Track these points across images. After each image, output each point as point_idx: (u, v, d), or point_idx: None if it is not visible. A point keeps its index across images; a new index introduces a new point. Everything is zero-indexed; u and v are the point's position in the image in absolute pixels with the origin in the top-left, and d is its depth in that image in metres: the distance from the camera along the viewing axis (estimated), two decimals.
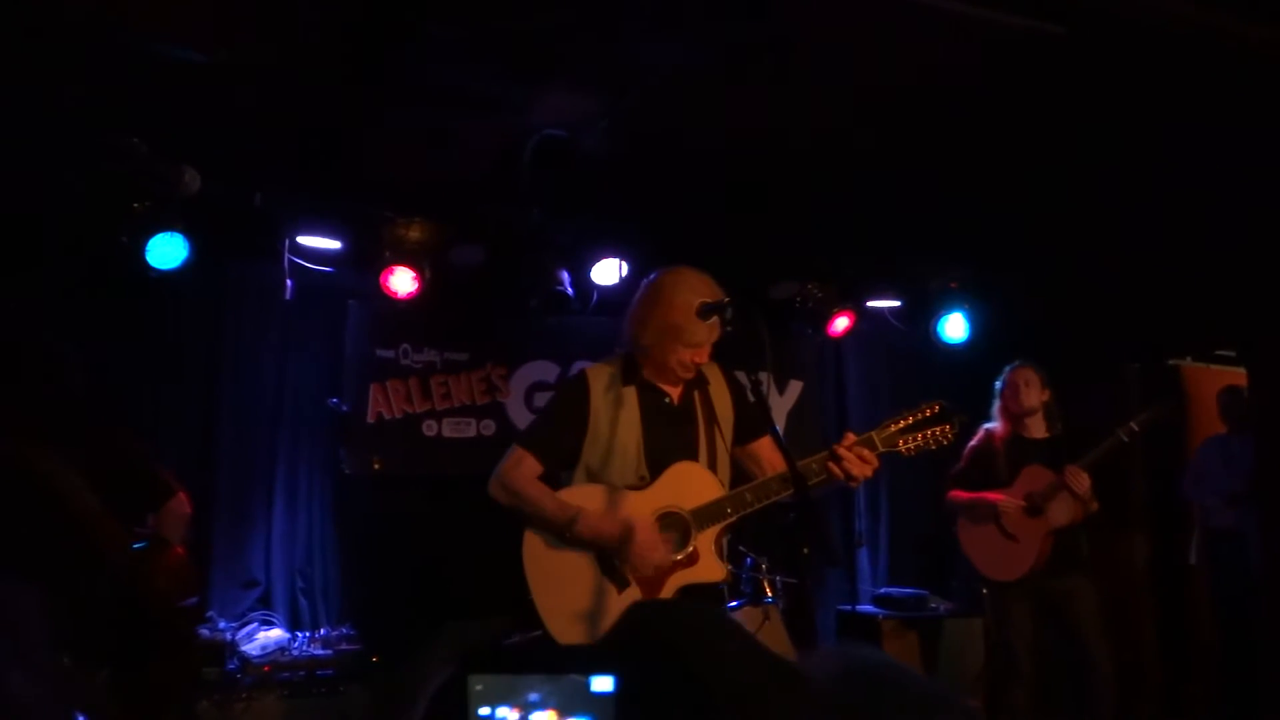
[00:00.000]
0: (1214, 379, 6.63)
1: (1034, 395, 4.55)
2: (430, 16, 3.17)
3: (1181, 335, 6.03)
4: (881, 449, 2.83)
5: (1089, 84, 3.67)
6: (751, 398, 2.69)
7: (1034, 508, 4.43)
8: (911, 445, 2.86)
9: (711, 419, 3.00)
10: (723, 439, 2.99)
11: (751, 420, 3.08)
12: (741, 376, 3.01)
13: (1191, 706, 5.95)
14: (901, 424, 2.86)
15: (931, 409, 2.86)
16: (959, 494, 4.66)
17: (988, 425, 4.70)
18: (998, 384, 4.65)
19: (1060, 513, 4.37)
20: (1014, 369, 4.62)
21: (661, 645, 0.66)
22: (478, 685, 0.74)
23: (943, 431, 2.86)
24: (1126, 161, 4.37)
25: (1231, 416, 6.00)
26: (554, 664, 0.76)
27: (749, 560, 5.10)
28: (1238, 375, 6.12)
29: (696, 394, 3.01)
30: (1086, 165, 4.45)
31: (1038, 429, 4.58)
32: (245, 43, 3.39)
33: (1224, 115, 3.86)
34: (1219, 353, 6.67)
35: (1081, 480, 4.32)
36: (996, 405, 4.67)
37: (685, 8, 3.17)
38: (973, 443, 4.70)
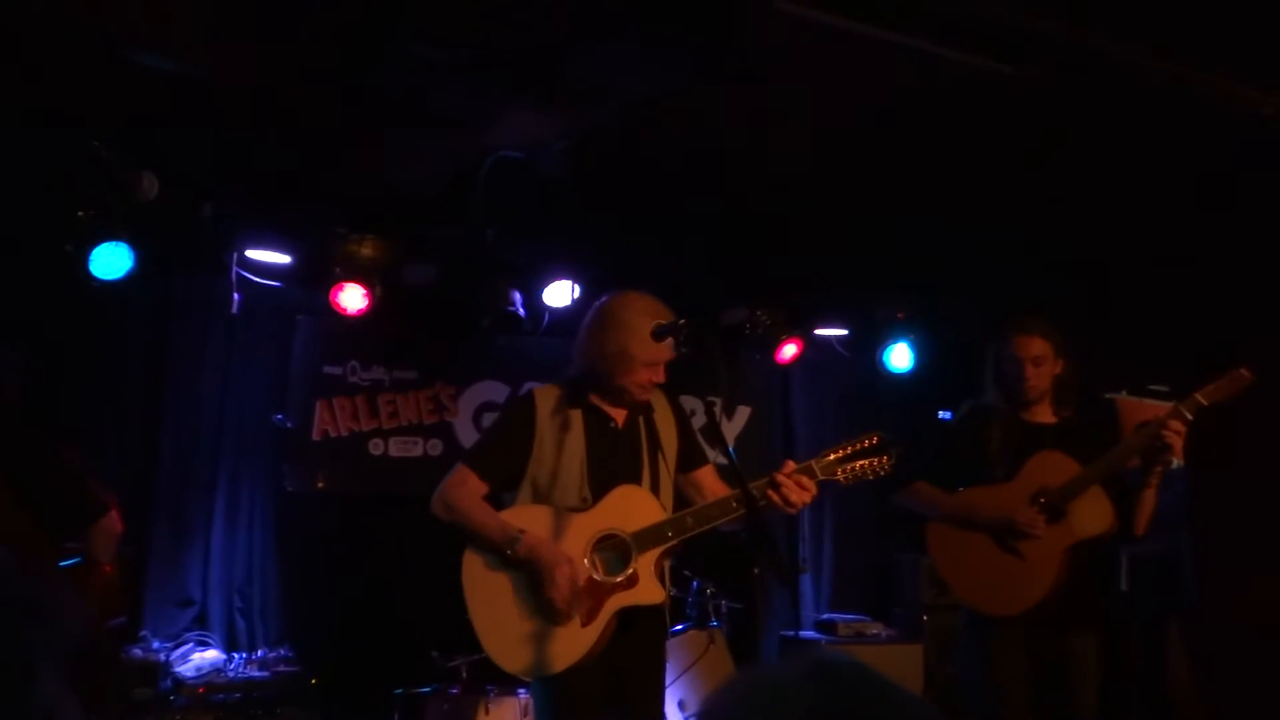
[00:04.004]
0: (1147, 412, 6.80)
1: (1045, 374, 3.36)
2: (407, 37, 3.17)
3: (1117, 370, 6.19)
4: (820, 477, 2.87)
5: (1036, 120, 3.79)
6: (705, 419, 2.72)
7: (1051, 507, 3.22)
8: (849, 474, 2.91)
9: (655, 444, 3.03)
10: (666, 464, 3.02)
11: (694, 448, 3.14)
12: (687, 402, 3.04)
13: None
14: (840, 453, 2.91)
15: (870, 440, 2.91)
16: (930, 490, 3.44)
17: (977, 402, 3.55)
18: (995, 351, 3.45)
19: (1088, 517, 3.18)
20: (1019, 334, 3.37)
21: None
22: None
23: (880, 462, 2.91)
24: (1071, 193, 4.50)
25: None
26: None
27: (695, 584, 5.11)
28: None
29: (641, 419, 3.05)
30: (1032, 196, 4.58)
31: (1043, 413, 3.43)
32: (216, 52, 3.36)
33: (1166, 153, 4.00)
34: (1151, 387, 6.86)
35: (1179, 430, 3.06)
36: (989, 374, 3.48)
37: (661, 34, 3.22)
38: (957, 416, 3.68)
